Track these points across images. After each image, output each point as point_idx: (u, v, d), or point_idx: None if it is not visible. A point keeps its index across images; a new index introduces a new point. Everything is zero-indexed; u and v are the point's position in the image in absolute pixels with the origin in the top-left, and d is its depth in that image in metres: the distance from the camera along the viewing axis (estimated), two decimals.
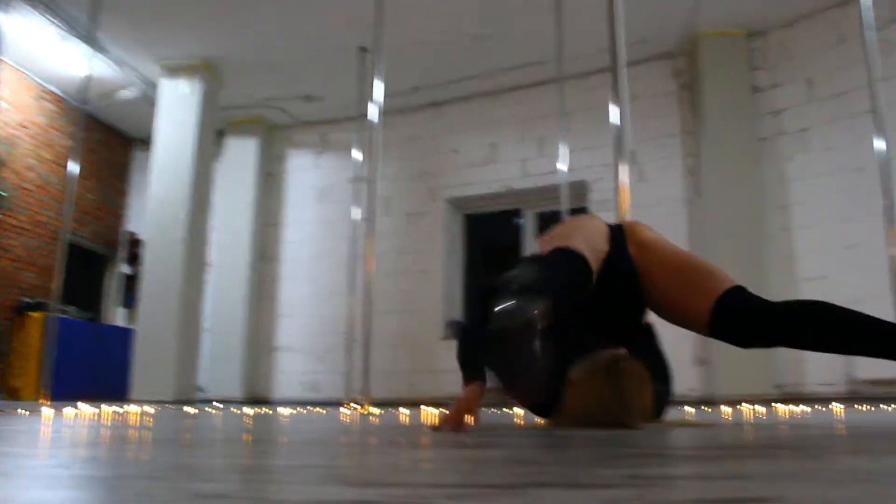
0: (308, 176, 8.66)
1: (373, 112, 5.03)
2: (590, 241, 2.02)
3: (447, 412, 1.99)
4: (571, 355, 1.96)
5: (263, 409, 6.01)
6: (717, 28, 6.68)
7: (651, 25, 6.58)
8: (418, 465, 1.01)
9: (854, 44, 5.81)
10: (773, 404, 4.82)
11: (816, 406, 4.71)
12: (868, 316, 1.75)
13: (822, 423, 2.31)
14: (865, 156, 5.50)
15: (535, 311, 1.57)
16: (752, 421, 2.53)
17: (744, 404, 5.16)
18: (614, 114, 3.10)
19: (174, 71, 7.45)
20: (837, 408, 4.33)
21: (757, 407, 4.65)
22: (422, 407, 6.17)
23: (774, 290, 6.17)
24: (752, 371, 5.88)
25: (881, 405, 4.65)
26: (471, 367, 2.07)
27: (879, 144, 4.18)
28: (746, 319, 1.88)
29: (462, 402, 1.98)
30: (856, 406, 4.77)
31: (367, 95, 5.70)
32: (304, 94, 8.06)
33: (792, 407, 4.59)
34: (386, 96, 5.38)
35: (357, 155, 6.91)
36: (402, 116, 8.17)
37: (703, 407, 4.73)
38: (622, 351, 1.91)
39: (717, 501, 0.60)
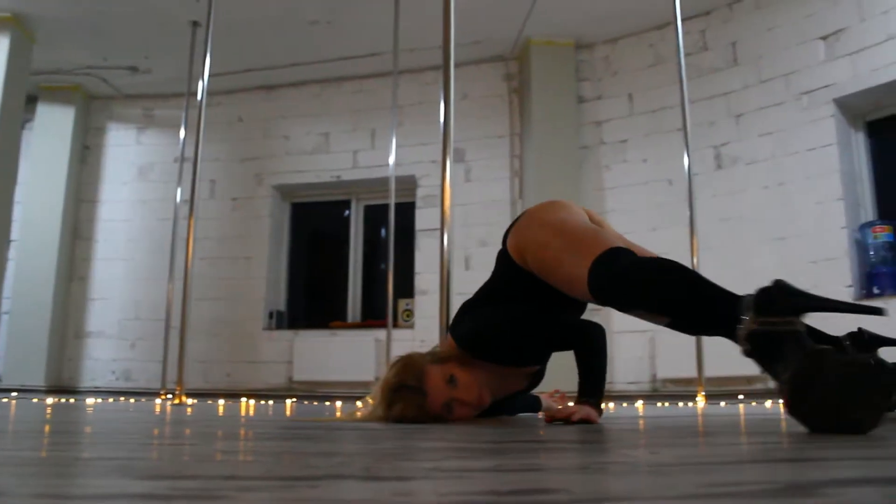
0: (129, 152, 8.20)
1: (201, 90, 4.84)
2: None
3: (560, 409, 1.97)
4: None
5: (68, 398, 5.66)
6: (547, 37, 6.94)
7: (486, 28, 6.73)
8: (220, 458, 0.98)
9: (669, 65, 6.23)
10: None
11: (623, 403, 5.00)
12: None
13: (625, 418, 2.46)
14: (675, 170, 5.91)
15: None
16: None
17: None
18: (443, 111, 3.15)
19: None
20: (640, 405, 4.63)
21: (570, 403, 4.89)
22: (241, 399, 6.03)
23: None
24: (567, 370, 6.16)
25: (678, 402, 5.00)
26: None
27: (686, 160, 4.50)
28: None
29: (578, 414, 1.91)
30: (657, 403, 5.12)
31: (196, 72, 5.49)
32: (129, 64, 7.62)
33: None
34: (216, 74, 5.20)
35: (183, 133, 6.63)
36: (232, 97, 7.93)
37: None
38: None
39: (507, 493, 0.62)
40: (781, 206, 5.86)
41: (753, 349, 1.47)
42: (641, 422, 2.16)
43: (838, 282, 5.47)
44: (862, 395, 1.23)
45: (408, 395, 1.95)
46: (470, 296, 2.30)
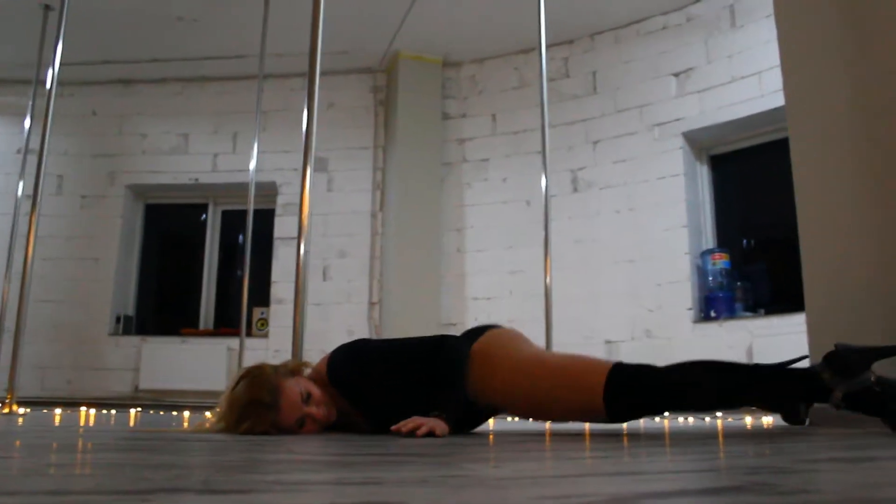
0: None
1: (50, 78, 4.57)
2: None
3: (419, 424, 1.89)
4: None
5: None
6: (416, 52, 7.01)
7: (356, 38, 6.72)
8: (50, 471, 0.93)
9: (532, 89, 6.42)
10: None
11: None
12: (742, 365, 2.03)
13: (475, 432, 2.49)
14: (533, 190, 6.09)
15: None
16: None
17: None
18: (306, 118, 3.12)
19: None
20: (491, 420, 4.71)
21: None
22: (81, 408, 5.71)
23: (446, 308, 6.59)
24: None
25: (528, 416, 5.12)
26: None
27: (544, 182, 4.64)
28: None
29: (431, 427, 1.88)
30: (508, 418, 5.21)
31: (46, 59, 5.19)
32: None
33: None
34: (68, 63, 4.93)
35: (28, 123, 6.24)
36: (86, 89, 7.53)
37: None
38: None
39: None
40: (631, 230, 6.15)
41: (849, 405, 1.77)
42: (491, 436, 2.21)
43: (680, 304, 5.80)
44: None
45: (260, 412, 1.92)
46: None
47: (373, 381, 2.10)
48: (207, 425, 2.08)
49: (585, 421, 2.22)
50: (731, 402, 2.07)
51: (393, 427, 1.89)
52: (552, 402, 2.09)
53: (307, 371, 2.13)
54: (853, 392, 1.75)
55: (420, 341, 2.23)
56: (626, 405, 2.00)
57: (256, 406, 1.92)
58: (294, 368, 2.08)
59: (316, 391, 2.02)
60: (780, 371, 1.91)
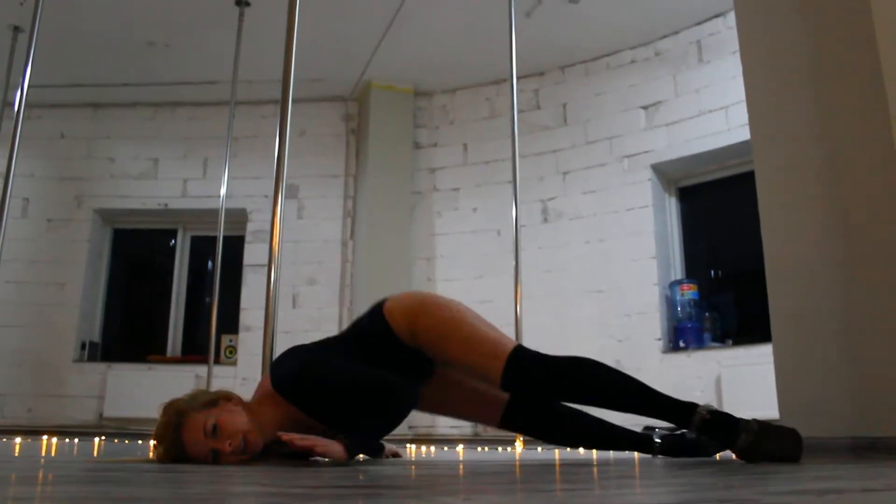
0: None
1: (18, 100, 4.52)
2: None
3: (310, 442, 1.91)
4: None
5: None
6: (388, 81, 7.05)
7: (328, 67, 6.75)
8: None
9: (503, 120, 6.48)
10: (406, 445, 5.08)
11: (444, 447, 5.05)
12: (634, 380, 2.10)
13: (445, 463, 2.48)
14: (503, 220, 6.12)
15: None
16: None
17: None
18: (278, 146, 3.12)
19: None
20: (461, 449, 4.70)
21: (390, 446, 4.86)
22: (43, 437, 5.59)
23: None
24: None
25: (497, 447, 5.12)
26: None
27: (515, 212, 4.67)
28: None
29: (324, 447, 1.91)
30: (477, 448, 5.20)
31: (15, 81, 5.14)
32: None
33: (423, 447, 4.87)
34: (37, 86, 4.89)
35: None
36: (55, 111, 7.45)
37: None
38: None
39: None
40: (601, 260, 6.20)
41: (708, 427, 1.94)
42: (461, 466, 2.20)
43: (649, 335, 5.84)
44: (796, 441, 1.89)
45: (164, 446, 1.96)
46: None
47: (335, 397, 2.07)
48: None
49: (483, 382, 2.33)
50: (619, 404, 2.13)
51: (283, 435, 1.90)
52: (464, 350, 2.27)
53: (230, 400, 2.06)
54: (714, 411, 1.95)
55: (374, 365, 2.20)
56: (520, 385, 2.23)
57: (161, 440, 1.98)
58: (211, 400, 2.04)
59: (229, 422, 1.95)
60: (660, 394, 2.05)
